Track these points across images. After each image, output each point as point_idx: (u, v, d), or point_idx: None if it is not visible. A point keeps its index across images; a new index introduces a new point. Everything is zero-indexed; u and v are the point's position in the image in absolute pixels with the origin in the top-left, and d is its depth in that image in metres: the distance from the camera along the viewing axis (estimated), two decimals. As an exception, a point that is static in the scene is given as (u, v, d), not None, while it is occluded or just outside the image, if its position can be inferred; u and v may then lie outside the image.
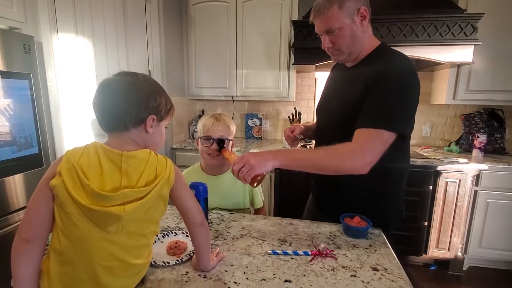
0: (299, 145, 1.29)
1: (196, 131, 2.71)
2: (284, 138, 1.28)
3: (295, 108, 2.63)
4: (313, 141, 1.23)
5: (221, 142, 1.08)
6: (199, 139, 1.16)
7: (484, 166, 1.92)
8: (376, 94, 0.86)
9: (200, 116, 2.82)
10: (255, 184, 0.89)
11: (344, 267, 0.75)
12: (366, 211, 0.95)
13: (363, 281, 0.69)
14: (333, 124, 1.03)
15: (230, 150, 1.08)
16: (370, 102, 0.87)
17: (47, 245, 0.59)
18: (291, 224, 1.00)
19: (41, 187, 0.57)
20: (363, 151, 0.84)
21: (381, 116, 0.85)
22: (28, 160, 1.55)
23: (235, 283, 0.68)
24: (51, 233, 0.59)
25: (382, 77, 0.86)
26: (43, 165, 1.62)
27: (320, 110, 1.14)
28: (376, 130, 0.84)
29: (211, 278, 0.70)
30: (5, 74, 1.42)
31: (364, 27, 0.93)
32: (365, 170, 0.84)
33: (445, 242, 2.04)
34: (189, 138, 2.78)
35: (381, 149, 0.85)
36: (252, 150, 2.27)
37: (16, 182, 1.49)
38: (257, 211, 1.27)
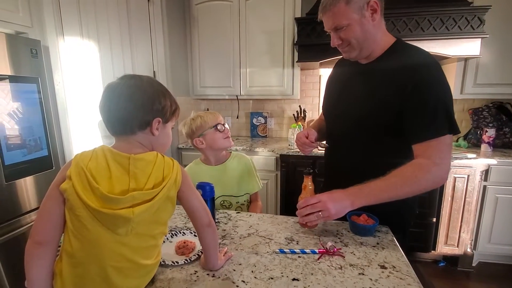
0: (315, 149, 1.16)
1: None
2: (295, 143, 1.14)
3: (299, 106, 2.62)
4: (324, 142, 1.16)
5: (311, 172, 1.02)
6: (211, 129, 1.20)
7: (493, 161, 1.89)
8: (420, 101, 0.83)
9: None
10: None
11: (352, 265, 0.75)
12: (383, 212, 0.93)
13: (371, 279, 0.69)
14: (356, 125, 0.97)
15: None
16: (416, 110, 0.83)
17: (60, 246, 0.61)
18: (298, 222, 1.00)
19: (52, 191, 0.59)
20: (437, 165, 0.82)
21: (437, 123, 0.82)
22: (38, 162, 1.58)
23: (243, 282, 0.69)
24: (63, 235, 0.60)
25: (419, 77, 0.82)
26: (52, 167, 1.65)
27: (334, 110, 1.07)
28: (438, 139, 0.82)
29: (219, 277, 0.71)
30: (13, 79, 1.44)
31: (375, 20, 0.88)
32: (445, 180, 0.86)
33: (454, 238, 2.02)
34: (195, 138, 2.79)
35: (450, 154, 0.85)
36: (257, 149, 2.27)
37: (27, 185, 1.52)
38: (253, 197, 1.32)
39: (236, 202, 1.27)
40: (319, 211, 0.81)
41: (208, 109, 2.95)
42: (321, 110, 1.23)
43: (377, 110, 0.91)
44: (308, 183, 0.98)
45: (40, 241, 0.58)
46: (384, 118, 0.89)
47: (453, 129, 0.84)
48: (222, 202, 1.26)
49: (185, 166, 1.22)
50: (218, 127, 1.21)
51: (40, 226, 0.58)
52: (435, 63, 0.86)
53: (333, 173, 1.13)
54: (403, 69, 0.86)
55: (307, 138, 1.08)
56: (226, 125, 1.26)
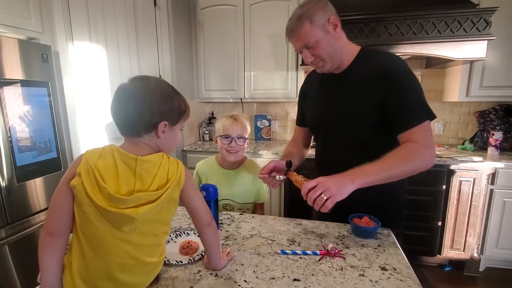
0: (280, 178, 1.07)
1: (207, 133, 2.77)
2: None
3: (304, 109, 2.63)
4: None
5: (288, 165, 1.04)
6: (219, 137, 1.27)
7: (500, 164, 1.87)
8: (399, 94, 0.91)
9: (210, 119, 2.87)
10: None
11: (353, 266, 0.76)
12: (372, 208, 0.96)
13: (371, 280, 0.70)
14: (346, 130, 1.02)
15: (295, 173, 1.02)
16: (399, 104, 0.91)
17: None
18: (300, 224, 1.02)
19: (62, 187, 0.61)
20: (425, 147, 0.89)
21: (418, 111, 0.91)
22: (48, 164, 1.62)
23: (245, 281, 0.70)
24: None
25: (395, 77, 0.91)
26: (61, 169, 1.69)
27: (321, 119, 1.09)
28: (421, 125, 0.89)
29: (222, 277, 0.72)
30: (24, 83, 1.50)
31: (338, 34, 0.96)
32: (434, 162, 0.91)
33: (460, 242, 1.99)
34: (200, 140, 2.82)
35: (432, 137, 0.92)
36: (261, 152, 2.28)
37: (37, 185, 1.57)
38: (257, 206, 1.33)
39: (239, 209, 1.28)
40: (321, 193, 0.79)
41: (212, 113, 2.98)
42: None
43: (359, 112, 0.97)
44: (295, 177, 0.98)
45: (52, 232, 0.61)
46: (367, 119, 0.96)
47: (430, 116, 0.92)
48: (224, 205, 1.28)
49: (190, 169, 1.25)
50: (223, 138, 1.24)
51: (51, 218, 0.62)
52: (402, 61, 0.96)
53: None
54: (377, 71, 0.94)
55: (269, 175, 1.06)
56: (237, 142, 1.23)
